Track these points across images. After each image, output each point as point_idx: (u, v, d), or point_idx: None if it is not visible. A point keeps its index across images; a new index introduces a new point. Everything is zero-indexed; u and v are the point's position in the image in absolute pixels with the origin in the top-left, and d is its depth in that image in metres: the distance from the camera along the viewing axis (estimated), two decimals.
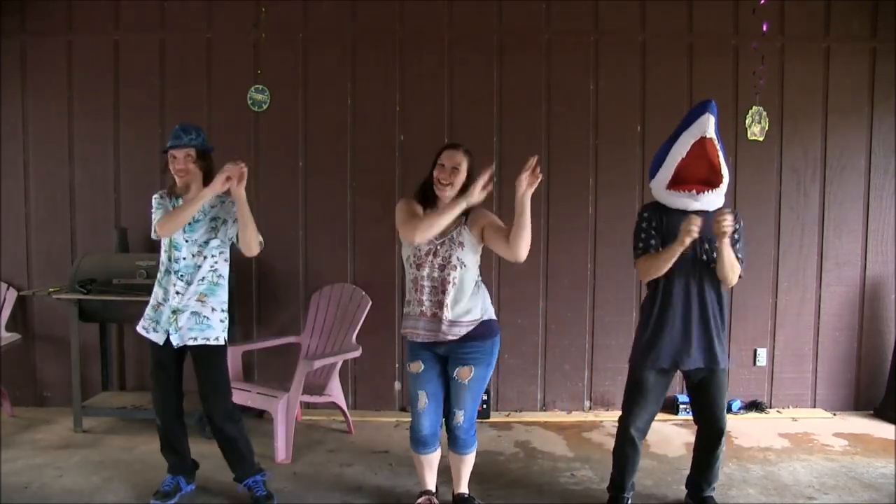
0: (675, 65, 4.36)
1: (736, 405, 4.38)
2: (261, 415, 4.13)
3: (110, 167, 4.35)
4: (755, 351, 4.45)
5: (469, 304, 2.67)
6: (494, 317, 2.79)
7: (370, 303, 4.05)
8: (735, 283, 2.79)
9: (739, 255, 2.75)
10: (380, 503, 3.08)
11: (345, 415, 3.96)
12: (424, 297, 2.66)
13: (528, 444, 3.85)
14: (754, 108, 4.34)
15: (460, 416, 2.71)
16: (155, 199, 2.96)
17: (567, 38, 4.34)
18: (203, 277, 2.87)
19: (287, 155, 4.32)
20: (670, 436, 3.98)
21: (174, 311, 2.86)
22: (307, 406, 4.27)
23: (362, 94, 4.32)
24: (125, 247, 4.15)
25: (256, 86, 4.27)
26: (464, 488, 2.90)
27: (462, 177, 2.70)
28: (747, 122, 4.34)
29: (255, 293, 4.35)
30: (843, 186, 4.43)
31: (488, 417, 4.25)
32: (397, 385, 4.42)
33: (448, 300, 2.62)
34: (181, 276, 2.87)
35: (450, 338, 2.64)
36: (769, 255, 4.43)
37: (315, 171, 4.33)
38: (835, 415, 4.40)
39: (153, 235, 2.90)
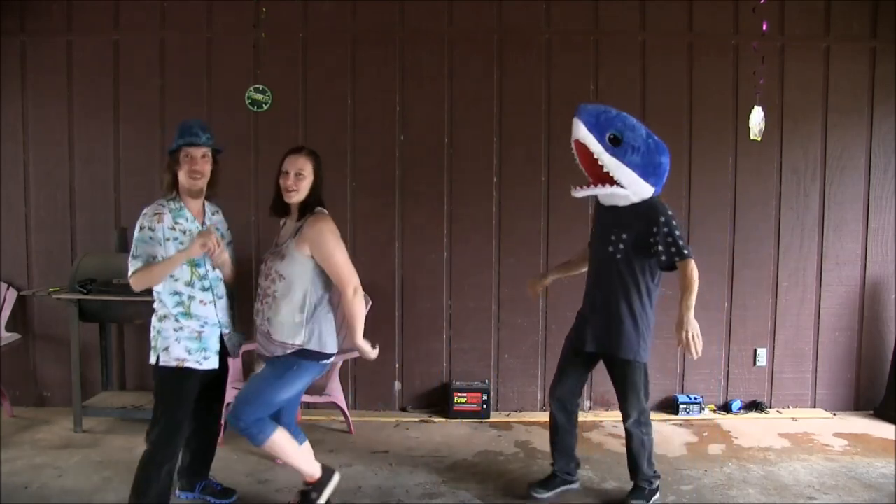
0: (675, 65, 4.36)
1: (736, 405, 4.38)
2: None
3: (110, 167, 4.35)
4: (755, 351, 4.45)
5: (286, 321, 2.64)
6: (328, 349, 2.77)
7: (370, 303, 4.05)
8: (695, 272, 2.81)
9: (676, 256, 2.79)
10: (380, 503, 3.08)
11: (345, 415, 3.96)
12: (256, 305, 2.73)
13: (528, 444, 3.85)
14: (756, 108, 4.33)
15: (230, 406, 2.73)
16: (143, 224, 2.60)
17: (567, 38, 4.34)
18: (224, 289, 2.80)
19: None
20: (670, 436, 3.98)
21: (220, 326, 2.76)
22: (307, 406, 4.27)
23: (362, 94, 4.32)
24: (125, 247, 4.14)
25: (256, 86, 4.27)
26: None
27: (308, 181, 2.66)
28: (750, 121, 4.33)
29: (255, 293, 4.34)
30: (843, 186, 4.43)
31: (488, 417, 4.25)
32: (397, 385, 4.42)
33: (268, 313, 2.66)
34: (214, 290, 2.73)
35: (263, 353, 2.72)
36: (769, 255, 4.43)
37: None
38: (835, 415, 4.40)
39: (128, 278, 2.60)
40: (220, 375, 2.86)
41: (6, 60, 4.32)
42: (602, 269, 2.96)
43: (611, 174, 2.80)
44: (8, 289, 4.31)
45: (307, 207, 2.68)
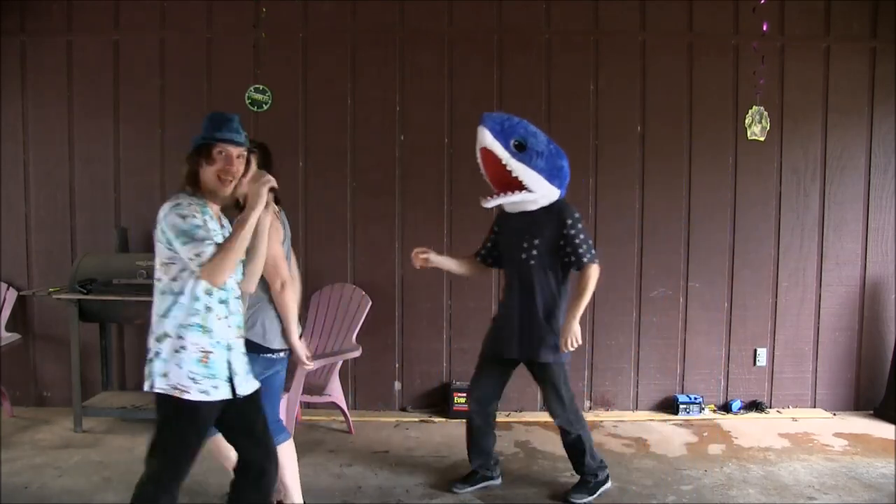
0: (675, 65, 4.36)
1: (736, 405, 4.38)
2: None
3: (110, 167, 4.35)
4: (755, 351, 4.45)
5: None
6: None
7: (370, 303, 4.05)
8: (594, 279, 2.95)
9: (584, 256, 2.92)
10: (380, 503, 3.08)
11: (345, 415, 3.96)
12: None
13: (528, 444, 3.85)
14: (754, 107, 4.34)
15: None
16: (184, 212, 2.06)
17: (567, 38, 4.34)
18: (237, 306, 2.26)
19: (287, 155, 4.32)
20: (670, 436, 3.98)
21: (228, 349, 2.17)
22: (307, 406, 4.27)
23: (362, 94, 4.32)
24: (125, 247, 4.15)
25: (256, 86, 4.27)
26: None
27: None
28: (747, 121, 4.34)
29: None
30: (843, 186, 4.43)
31: None
32: (397, 385, 4.42)
33: None
34: (227, 304, 2.20)
35: None
36: (769, 255, 4.43)
37: (315, 171, 4.33)
38: (835, 415, 4.40)
39: (198, 274, 2.05)
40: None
41: (6, 60, 4.32)
42: (516, 275, 3.00)
43: (520, 179, 2.88)
44: (8, 289, 4.31)
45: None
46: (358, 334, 3.98)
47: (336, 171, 4.33)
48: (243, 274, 2.31)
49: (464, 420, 4.16)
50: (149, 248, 4.26)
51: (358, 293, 4.10)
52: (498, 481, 3.25)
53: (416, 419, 4.25)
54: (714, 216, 4.40)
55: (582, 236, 2.92)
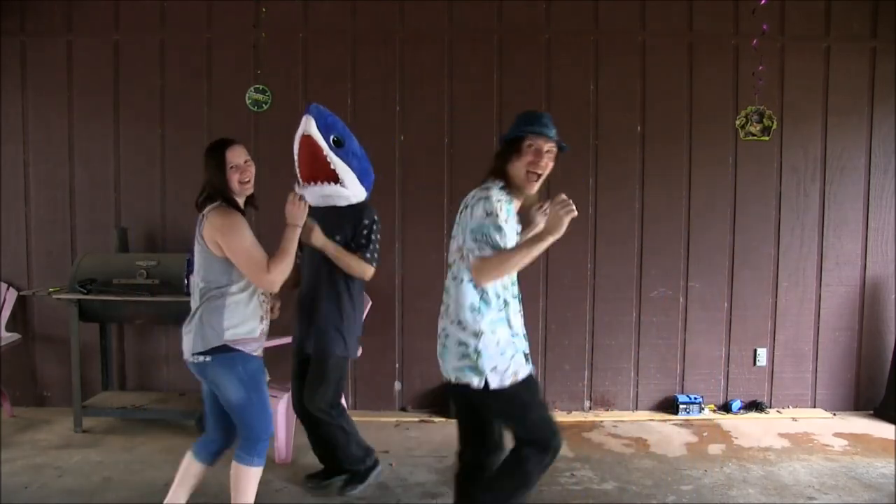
0: (675, 65, 4.36)
1: (736, 405, 4.38)
2: None
3: (110, 167, 4.35)
4: (755, 351, 4.45)
5: (195, 319, 2.46)
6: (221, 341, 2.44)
7: (370, 303, 4.05)
8: (366, 273, 3.04)
9: (368, 253, 3.03)
10: (380, 503, 3.08)
11: None
12: (263, 312, 2.52)
13: None
14: (750, 107, 4.33)
15: None
16: (496, 205, 2.19)
17: (567, 37, 4.34)
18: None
19: (287, 155, 4.28)
20: (670, 436, 3.98)
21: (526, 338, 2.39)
22: None
23: (362, 94, 4.32)
24: (125, 247, 4.15)
25: (256, 86, 4.27)
26: None
27: (254, 168, 2.55)
28: (738, 122, 4.34)
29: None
30: (843, 186, 4.43)
31: None
32: (397, 385, 4.42)
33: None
34: (520, 299, 2.40)
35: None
36: (769, 255, 4.43)
37: None
38: (835, 415, 4.40)
39: (467, 265, 2.18)
40: None
41: (6, 60, 4.32)
42: (315, 271, 3.02)
43: (337, 172, 2.94)
44: (8, 289, 4.31)
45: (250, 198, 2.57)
46: None
47: None
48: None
49: None
50: (149, 248, 4.29)
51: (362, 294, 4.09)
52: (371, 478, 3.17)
53: (416, 419, 4.25)
54: (714, 216, 4.40)
55: (373, 237, 3.04)
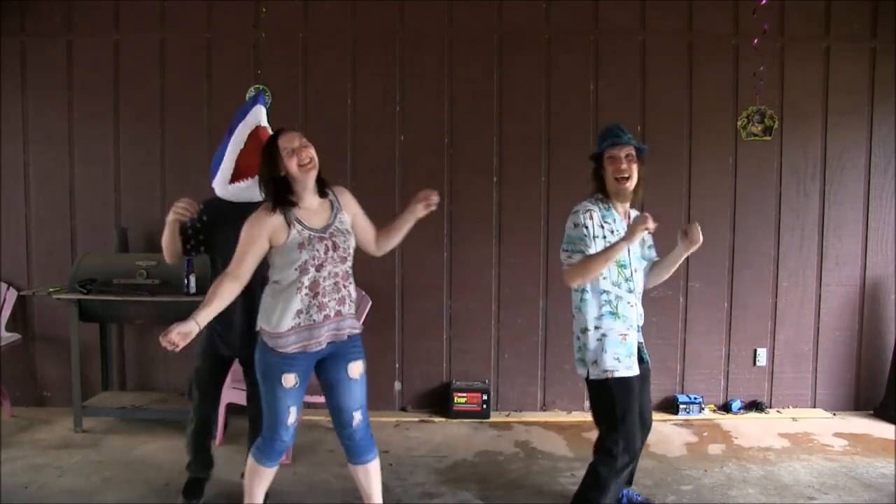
0: (675, 65, 4.36)
1: (736, 405, 4.38)
2: None
3: (110, 167, 4.35)
4: (755, 351, 4.45)
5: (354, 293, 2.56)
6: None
7: (370, 303, 4.05)
8: None
9: None
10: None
11: None
12: (327, 299, 2.41)
13: (528, 444, 3.85)
14: (751, 107, 4.33)
15: (359, 416, 2.57)
16: (582, 217, 2.61)
17: (567, 38, 4.34)
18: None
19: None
20: (670, 436, 3.98)
21: (638, 330, 2.72)
22: (307, 406, 4.26)
23: (362, 94, 4.32)
24: (125, 247, 4.15)
25: (256, 86, 4.27)
26: (377, 499, 2.69)
27: (313, 149, 2.43)
28: (740, 123, 4.33)
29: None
30: (843, 186, 4.43)
31: (488, 417, 4.25)
32: (397, 385, 4.42)
33: (349, 294, 2.51)
34: (636, 292, 2.73)
35: (349, 332, 2.50)
36: (769, 255, 4.43)
37: None
38: (835, 415, 4.40)
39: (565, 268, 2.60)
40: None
41: (6, 60, 4.32)
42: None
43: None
44: (8, 289, 4.31)
45: (321, 181, 2.50)
46: None
47: (336, 171, 4.32)
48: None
49: (463, 420, 4.19)
50: (149, 248, 4.29)
51: (358, 293, 4.09)
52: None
53: (416, 419, 4.25)
54: (714, 216, 4.39)
55: None
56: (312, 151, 2.40)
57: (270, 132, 2.68)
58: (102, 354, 4.25)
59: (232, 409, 3.70)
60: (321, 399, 3.82)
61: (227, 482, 3.19)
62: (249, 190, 2.70)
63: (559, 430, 4.09)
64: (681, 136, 4.36)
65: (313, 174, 2.41)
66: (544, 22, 4.33)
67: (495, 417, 4.29)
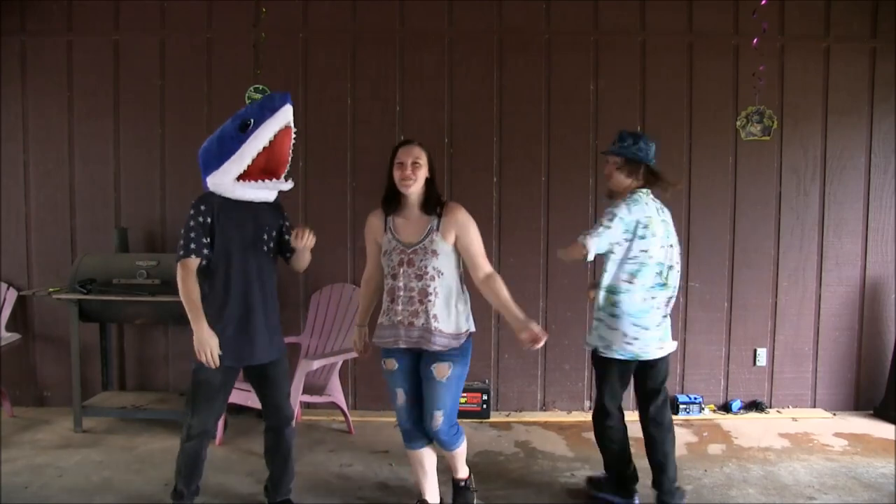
0: (675, 65, 4.36)
1: (736, 405, 4.38)
2: (260, 415, 4.11)
3: (110, 167, 4.35)
4: (755, 351, 4.45)
5: (452, 313, 2.60)
6: (473, 327, 2.73)
7: None
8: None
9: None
10: (380, 503, 3.08)
11: (345, 415, 3.96)
12: (400, 307, 2.58)
13: (528, 444, 3.85)
14: (750, 107, 4.33)
15: (439, 417, 2.60)
16: (612, 209, 3.03)
17: (567, 38, 4.34)
18: None
19: None
20: None
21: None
22: (307, 406, 4.27)
23: (362, 94, 4.32)
24: (125, 247, 4.15)
25: (256, 86, 4.27)
26: (460, 474, 2.89)
27: (424, 170, 2.60)
28: (738, 123, 4.34)
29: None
30: (843, 186, 4.43)
31: (488, 417, 4.25)
32: None
33: (432, 310, 2.55)
34: (666, 287, 3.04)
35: (436, 348, 2.56)
36: (769, 255, 4.43)
37: (315, 171, 4.33)
38: (835, 415, 4.40)
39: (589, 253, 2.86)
40: None
41: (6, 60, 4.32)
42: (258, 273, 2.66)
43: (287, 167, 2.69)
44: (8, 289, 4.31)
45: (430, 199, 2.60)
46: None
47: (336, 171, 4.33)
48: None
49: (463, 420, 4.18)
50: (149, 248, 4.29)
51: (358, 293, 4.09)
52: None
53: None
54: (714, 216, 4.40)
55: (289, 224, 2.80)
56: (420, 172, 2.58)
57: (294, 133, 2.66)
58: (102, 354, 4.25)
59: (232, 409, 3.70)
60: (321, 399, 3.85)
61: (227, 482, 3.19)
62: (262, 191, 2.63)
63: (559, 430, 4.09)
64: (681, 136, 4.36)
65: (413, 191, 2.59)
66: (544, 22, 4.33)
67: (495, 417, 4.29)
